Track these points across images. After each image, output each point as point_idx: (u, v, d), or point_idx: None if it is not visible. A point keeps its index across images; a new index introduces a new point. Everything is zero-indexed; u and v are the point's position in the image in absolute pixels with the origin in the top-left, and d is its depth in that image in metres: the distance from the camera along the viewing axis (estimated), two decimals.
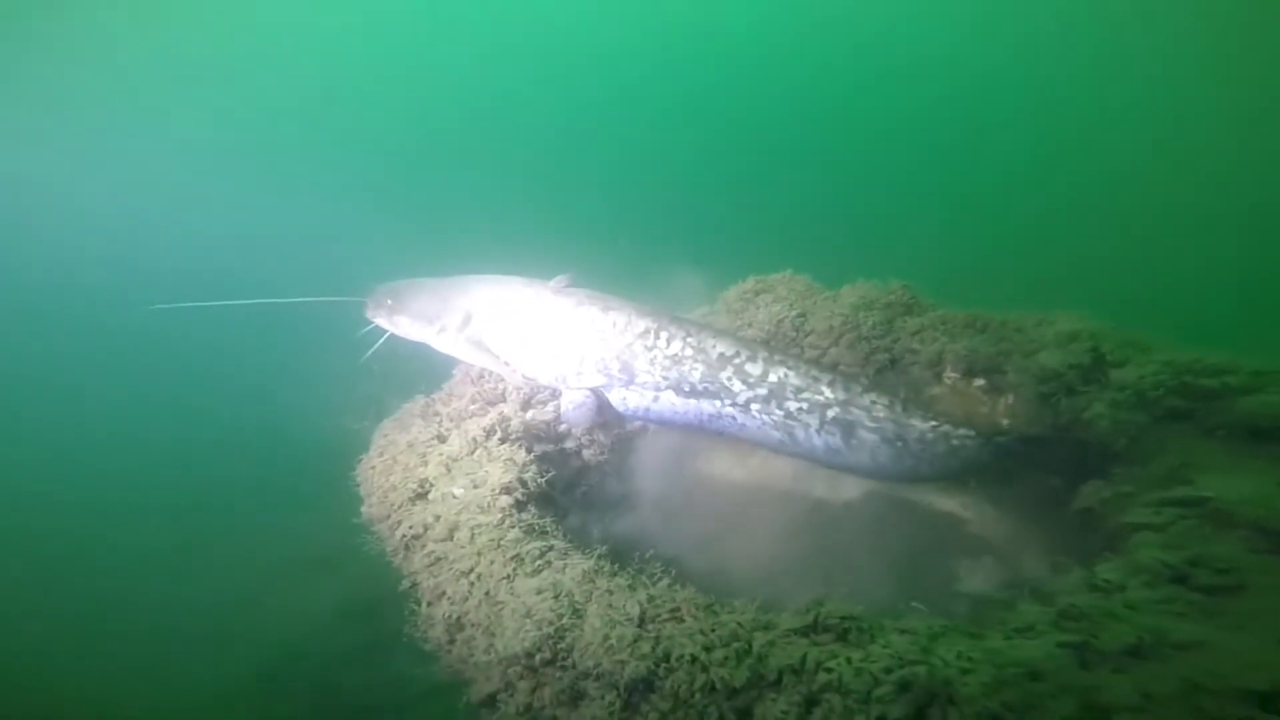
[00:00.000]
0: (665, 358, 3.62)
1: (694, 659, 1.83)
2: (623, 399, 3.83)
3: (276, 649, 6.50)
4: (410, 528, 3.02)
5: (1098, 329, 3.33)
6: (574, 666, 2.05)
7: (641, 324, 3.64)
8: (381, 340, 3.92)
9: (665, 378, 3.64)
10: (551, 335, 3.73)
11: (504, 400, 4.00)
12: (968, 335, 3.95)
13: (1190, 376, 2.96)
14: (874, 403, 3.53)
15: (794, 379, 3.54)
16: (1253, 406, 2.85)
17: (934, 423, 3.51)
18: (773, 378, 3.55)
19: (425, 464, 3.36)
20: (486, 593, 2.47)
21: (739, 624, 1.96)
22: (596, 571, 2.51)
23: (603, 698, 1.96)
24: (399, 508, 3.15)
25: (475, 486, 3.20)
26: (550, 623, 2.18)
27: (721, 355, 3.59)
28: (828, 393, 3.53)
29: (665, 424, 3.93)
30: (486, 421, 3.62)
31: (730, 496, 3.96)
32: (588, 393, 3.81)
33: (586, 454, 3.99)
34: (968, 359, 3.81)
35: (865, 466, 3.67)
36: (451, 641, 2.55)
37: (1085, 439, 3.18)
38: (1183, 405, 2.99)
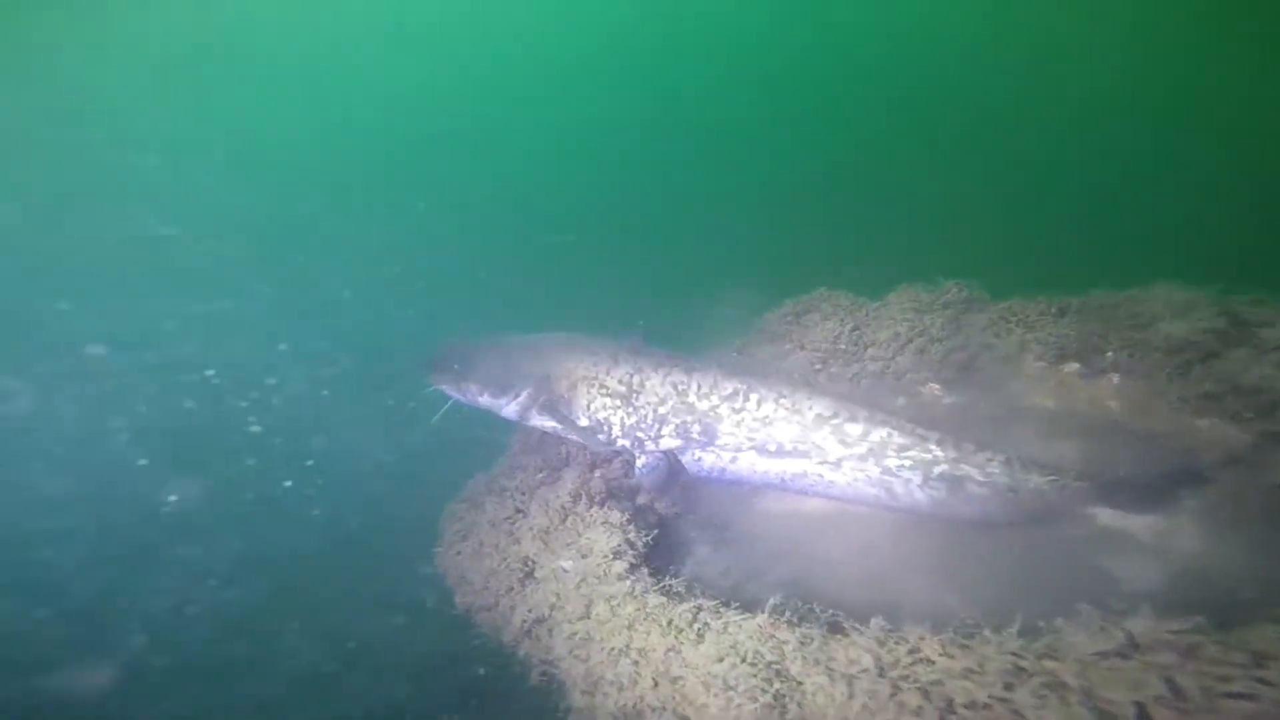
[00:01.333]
0: (754, 420, 3.36)
1: (997, 701, 1.44)
2: (697, 459, 3.55)
3: None
4: (530, 611, 2.58)
5: (1208, 294, 3.22)
6: None
7: (729, 386, 3.40)
8: (448, 405, 3.69)
9: (751, 439, 3.39)
10: (630, 399, 3.49)
11: (568, 464, 3.65)
12: (1047, 322, 3.82)
13: None
14: (989, 460, 3.25)
15: (899, 438, 3.26)
16: None
17: (1051, 477, 3.22)
18: (875, 437, 3.28)
19: (518, 541, 2.96)
20: (658, 671, 2.03)
21: (1015, 653, 1.59)
22: (774, 624, 2.10)
23: None
24: (508, 592, 2.73)
25: (583, 556, 2.81)
26: (760, 690, 1.76)
27: (819, 416, 3.32)
28: (936, 451, 3.26)
29: (737, 481, 3.63)
30: (568, 487, 3.26)
31: (811, 525, 3.61)
32: (661, 455, 3.54)
33: (659, 507, 3.62)
34: (1057, 345, 3.65)
35: (972, 515, 3.38)
36: None
37: (1237, 411, 2.97)
38: None
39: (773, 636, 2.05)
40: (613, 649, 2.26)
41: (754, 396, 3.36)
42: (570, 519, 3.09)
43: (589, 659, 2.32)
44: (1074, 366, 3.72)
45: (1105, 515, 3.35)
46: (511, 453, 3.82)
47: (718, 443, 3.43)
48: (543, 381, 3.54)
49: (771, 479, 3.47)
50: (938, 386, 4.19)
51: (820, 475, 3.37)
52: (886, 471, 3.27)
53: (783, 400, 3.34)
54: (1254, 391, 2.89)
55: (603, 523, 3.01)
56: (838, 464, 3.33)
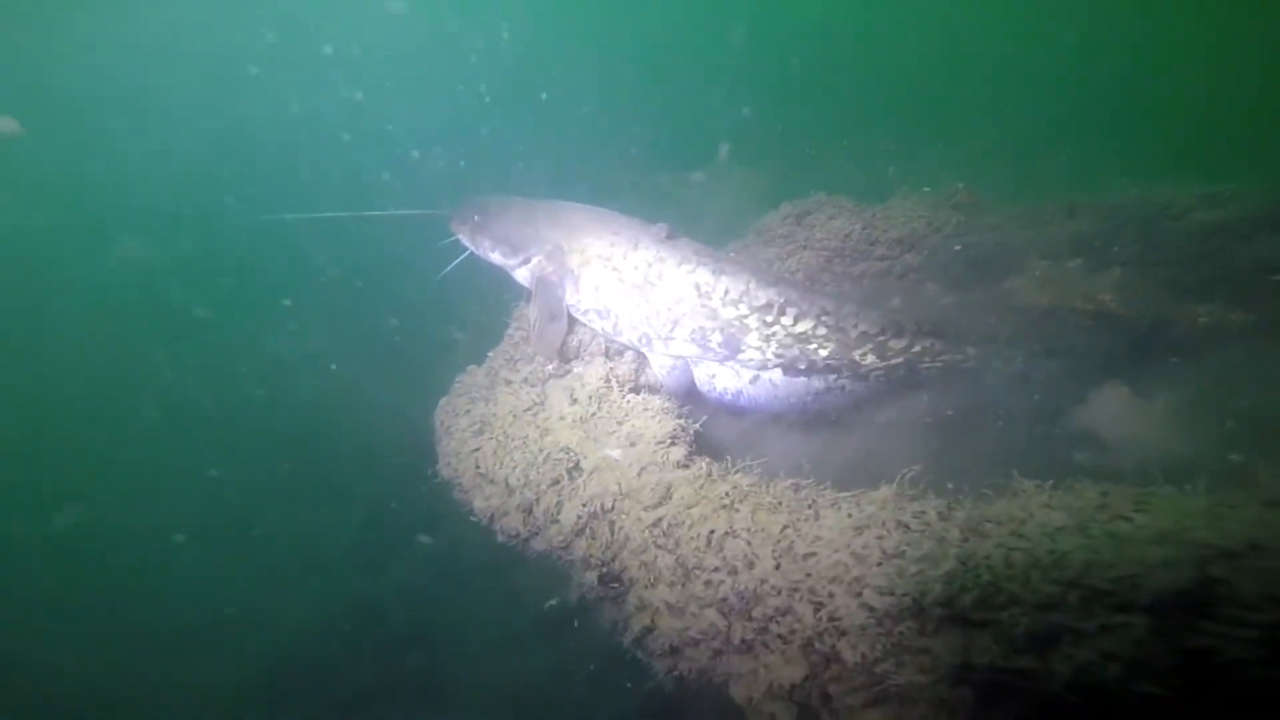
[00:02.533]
0: (788, 335, 2.99)
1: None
2: (710, 376, 3.17)
3: None
4: (584, 505, 2.16)
5: (1240, 187, 3.32)
6: (1022, 602, 1.41)
7: (763, 296, 2.98)
8: (461, 258, 3.29)
9: (779, 355, 3.02)
10: (648, 290, 3.04)
11: (578, 357, 3.20)
12: (1056, 221, 3.84)
13: None
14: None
15: (939, 346, 3.10)
16: None
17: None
18: (916, 348, 3.07)
19: (549, 432, 2.49)
20: (779, 550, 1.75)
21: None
22: (901, 496, 1.88)
23: (1104, 626, 1.34)
24: (553, 486, 2.27)
25: (631, 444, 2.42)
26: (942, 558, 1.52)
27: (864, 334, 3.01)
28: (972, 352, 3.15)
29: (749, 407, 3.27)
30: (596, 373, 2.83)
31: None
32: (678, 359, 3.16)
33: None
34: (1066, 242, 3.68)
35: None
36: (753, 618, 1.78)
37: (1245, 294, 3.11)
38: None
39: (908, 508, 1.83)
40: (712, 532, 1.93)
41: (791, 311, 2.97)
42: (605, 406, 2.68)
43: (679, 547, 1.98)
44: (1077, 262, 3.79)
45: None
46: (508, 344, 3.28)
47: (740, 357, 3.05)
48: (556, 251, 3.08)
49: (791, 400, 3.15)
50: (937, 286, 4.16)
51: (844, 387, 3.12)
52: (913, 372, 3.11)
53: (825, 318, 2.98)
54: (1270, 270, 3.04)
55: (644, 409, 2.64)
56: (866, 376, 3.10)
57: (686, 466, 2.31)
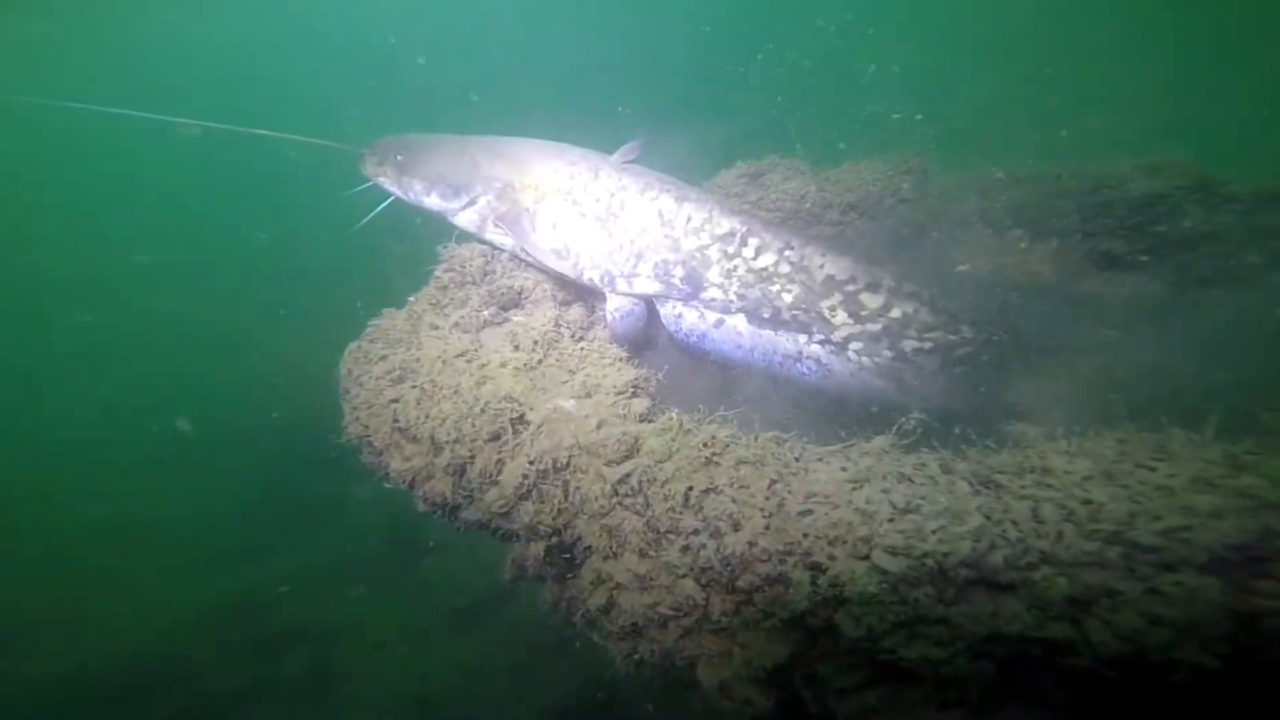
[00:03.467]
0: (749, 271, 2.71)
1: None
2: (676, 315, 2.88)
3: None
4: (532, 463, 1.81)
5: (1178, 159, 3.41)
6: (1055, 561, 1.24)
7: (726, 224, 2.72)
8: (384, 205, 2.85)
9: (741, 296, 2.75)
10: (607, 223, 2.73)
11: (519, 305, 2.81)
12: (1001, 190, 3.85)
13: None
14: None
15: (926, 315, 2.76)
16: None
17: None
18: (896, 313, 2.73)
19: (487, 380, 2.10)
20: (765, 507, 1.50)
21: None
22: (896, 446, 1.69)
23: (1151, 589, 1.19)
24: (493, 441, 1.90)
25: (588, 395, 2.08)
26: (966, 512, 1.32)
27: (830, 279, 2.70)
28: (966, 332, 2.83)
29: (716, 358, 3.00)
30: (544, 316, 2.47)
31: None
32: (637, 300, 2.85)
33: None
34: (1010, 211, 3.69)
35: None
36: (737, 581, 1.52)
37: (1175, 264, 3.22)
38: None
39: (905, 460, 1.63)
40: (690, 489, 1.64)
41: (753, 241, 2.70)
42: (554, 353, 2.32)
43: (649, 508, 1.68)
44: (1018, 232, 3.83)
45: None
46: (434, 287, 2.81)
47: (703, 295, 2.78)
48: (506, 189, 2.70)
49: (756, 358, 2.88)
50: (883, 251, 4.11)
51: (818, 360, 2.82)
52: (900, 356, 2.79)
53: (788, 252, 2.70)
54: (1201, 241, 3.15)
55: (600, 356, 2.31)
56: (841, 346, 2.79)
57: (651, 419, 2.01)
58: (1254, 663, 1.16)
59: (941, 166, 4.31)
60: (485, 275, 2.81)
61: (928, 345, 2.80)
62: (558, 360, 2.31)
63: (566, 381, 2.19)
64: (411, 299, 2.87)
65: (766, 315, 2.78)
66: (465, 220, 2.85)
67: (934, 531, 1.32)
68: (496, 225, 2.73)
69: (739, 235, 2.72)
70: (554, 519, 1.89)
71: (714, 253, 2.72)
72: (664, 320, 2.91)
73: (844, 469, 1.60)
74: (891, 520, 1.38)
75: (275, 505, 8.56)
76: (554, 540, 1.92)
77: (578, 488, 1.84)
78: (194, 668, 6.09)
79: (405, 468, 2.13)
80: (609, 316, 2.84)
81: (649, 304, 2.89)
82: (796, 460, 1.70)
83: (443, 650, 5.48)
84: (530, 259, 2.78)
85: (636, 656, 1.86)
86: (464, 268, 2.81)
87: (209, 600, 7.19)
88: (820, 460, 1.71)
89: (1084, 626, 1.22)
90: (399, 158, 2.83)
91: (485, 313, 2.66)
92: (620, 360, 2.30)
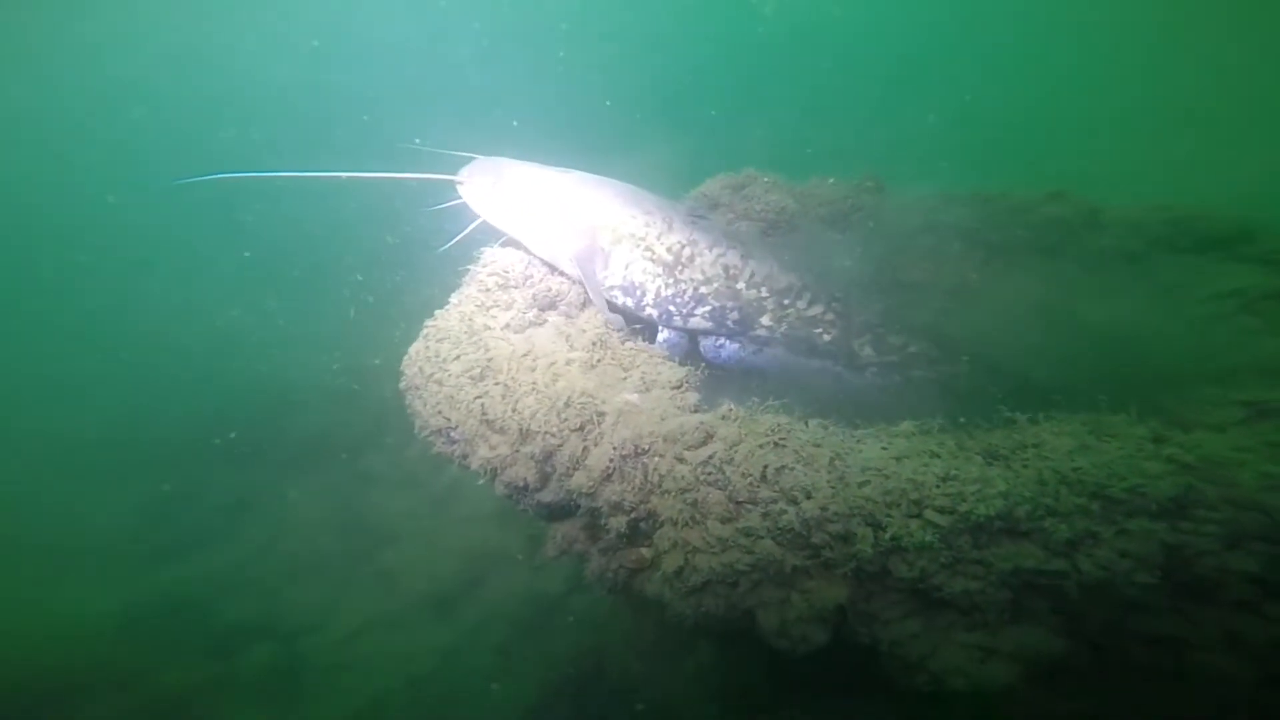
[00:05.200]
0: (799, 318, 3.19)
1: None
2: (718, 345, 3.33)
3: None
4: (615, 449, 2.13)
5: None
6: (1058, 513, 1.71)
7: (784, 280, 3.16)
8: (472, 227, 3.01)
9: (787, 336, 3.22)
10: (674, 270, 3.07)
11: (554, 306, 3.05)
12: (941, 208, 4.49)
13: None
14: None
15: (929, 349, 3.34)
16: None
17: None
18: (912, 349, 3.30)
19: (559, 378, 2.35)
20: (832, 478, 1.89)
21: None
22: (917, 429, 2.14)
23: (1121, 530, 1.69)
24: (578, 431, 2.18)
25: (646, 390, 2.39)
26: (993, 478, 1.77)
27: (866, 323, 3.25)
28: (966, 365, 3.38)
29: (738, 366, 3.46)
30: (594, 320, 2.75)
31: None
32: (685, 334, 3.28)
33: None
34: (951, 225, 4.34)
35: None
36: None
37: None
38: None
39: (930, 440, 2.07)
40: (766, 467, 1.99)
41: (808, 296, 3.18)
42: (609, 353, 2.59)
43: (730, 483, 2.01)
44: (957, 246, 4.49)
45: None
46: (476, 289, 2.96)
47: (751, 334, 3.22)
48: (587, 230, 2.96)
49: (778, 370, 3.35)
50: (850, 262, 4.65)
51: (840, 375, 3.33)
52: (905, 378, 3.35)
53: (835, 304, 3.20)
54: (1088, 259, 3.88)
55: (649, 356, 2.61)
56: (862, 370, 3.32)
57: (701, 410, 2.34)
58: (1172, 581, 1.70)
59: (894, 184, 4.94)
60: (526, 279, 3.00)
61: (930, 376, 3.34)
62: (613, 359, 2.57)
63: (625, 378, 2.47)
64: (454, 299, 3.00)
65: (804, 349, 3.24)
66: (542, 250, 3.04)
67: (973, 493, 1.76)
68: (573, 260, 2.94)
69: (795, 289, 3.16)
70: (635, 496, 2.18)
71: (770, 303, 3.14)
72: (703, 349, 3.29)
73: (884, 448, 2.02)
74: (938, 486, 1.81)
75: (190, 504, 8.06)
76: (633, 514, 2.21)
77: (655, 469, 2.14)
78: (138, 670, 5.72)
79: (491, 456, 2.33)
80: (660, 344, 3.21)
81: (694, 337, 3.27)
82: (844, 442, 2.10)
83: (422, 636, 5.53)
84: (595, 291, 2.99)
85: (703, 609, 2.20)
86: (507, 272, 2.99)
87: (138, 602, 6.72)
88: (861, 440, 2.12)
89: (1075, 560, 1.71)
90: (492, 183, 2.98)
91: (529, 314, 2.87)
92: (664, 359, 2.61)
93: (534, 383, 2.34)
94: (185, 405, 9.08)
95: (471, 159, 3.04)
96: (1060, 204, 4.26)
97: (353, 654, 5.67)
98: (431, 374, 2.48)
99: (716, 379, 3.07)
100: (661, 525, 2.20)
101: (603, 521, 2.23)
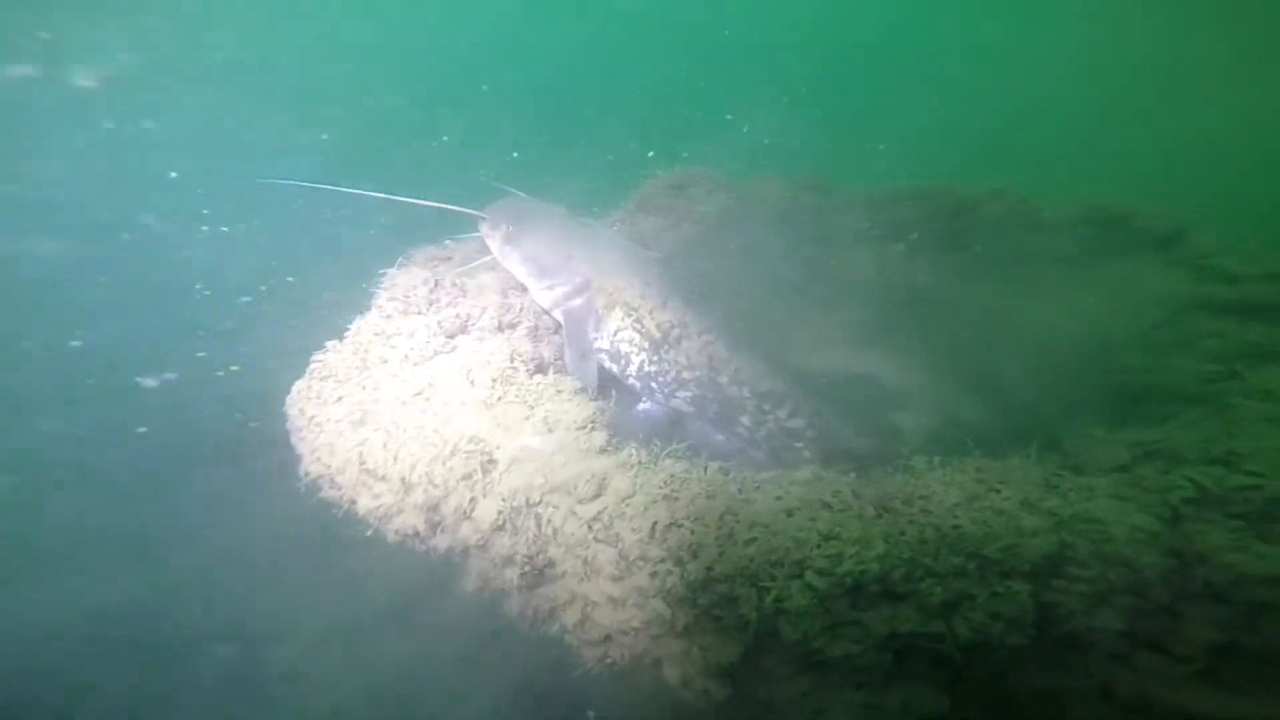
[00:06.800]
0: (779, 427, 2.99)
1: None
2: (697, 426, 3.20)
3: None
4: (504, 500, 2.03)
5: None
6: (936, 574, 1.69)
7: (767, 384, 2.99)
8: (483, 260, 3.12)
9: (754, 437, 3.03)
10: (660, 348, 2.99)
11: (465, 330, 2.93)
12: (886, 206, 4.41)
13: None
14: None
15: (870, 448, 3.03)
16: None
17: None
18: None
19: (450, 422, 2.26)
20: (721, 535, 1.84)
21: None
22: (819, 474, 2.10)
23: (994, 592, 1.67)
24: (464, 480, 2.09)
25: (549, 431, 2.31)
26: (873, 539, 1.73)
27: (824, 435, 3.00)
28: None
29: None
30: (500, 351, 2.63)
31: None
32: (668, 411, 3.15)
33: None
34: (890, 226, 4.28)
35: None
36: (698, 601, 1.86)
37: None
38: None
39: (826, 487, 2.03)
40: (655, 524, 1.93)
41: (788, 405, 2.97)
42: (512, 389, 2.49)
43: (621, 540, 1.96)
44: (900, 245, 4.43)
45: None
46: (378, 316, 2.83)
47: (729, 428, 3.05)
48: (584, 287, 2.95)
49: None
50: (796, 264, 4.57)
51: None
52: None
53: (817, 418, 3.00)
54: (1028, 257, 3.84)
55: (556, 391, 2.52)
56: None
57: (609, 452, 2.27)
58: (1048, 636, 1.69)
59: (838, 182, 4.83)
60: (431, 304, 2.87)
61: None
62: (517, 395, 2.47)
63: (527, 418, 2.38)
64: (351, 328, 2.86)
65: (761, 448, 3.04)
66: (541, 297, 3.03)
67: (851, 555, 1.72)
68: (565, 315, 2.93)
69: (778, 396, 2.96)
70: (528, 548, 2.12)
71: (751, 405, 2.97)
72: (689, 432, 3.11)
73: (779, 498, 1.98)
74: (819, 546, 1.77)
75: (131, 516, 7.86)
76: (527, 567, 2.15)
77: (549, 521, 2.08)
78: (85, 681, 5.63)
79: (374, 505, 2.25)
80: (637, 411, 3.11)
81: (675, 416, 3.13)
82: (740, 491, 2.05)
83: (384, 646, 5.49)
84: (580, 351, 2.89)
85: (608, 660, 2.17)
86: (408, 296, 2.86)
87: (81, 612, 6.58)
88: (758, 489, 2.07)
89: (952, 622, 1.69)
90: (510, 228, 3.02)
91: (434, 343, 2.75)
92: (576, 394, 2.53)
93: (422, 426, 2.24)
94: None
95: (507, 193, 3.15)
96: (1001, 202, 4.21)
97: (317, 663, 5.63)
98: (313, 416, 2.37)
99: (631, 409, 3.01)
100: (561, 576, 2.15)
101: (494, 575, 2.18)
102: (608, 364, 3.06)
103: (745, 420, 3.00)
